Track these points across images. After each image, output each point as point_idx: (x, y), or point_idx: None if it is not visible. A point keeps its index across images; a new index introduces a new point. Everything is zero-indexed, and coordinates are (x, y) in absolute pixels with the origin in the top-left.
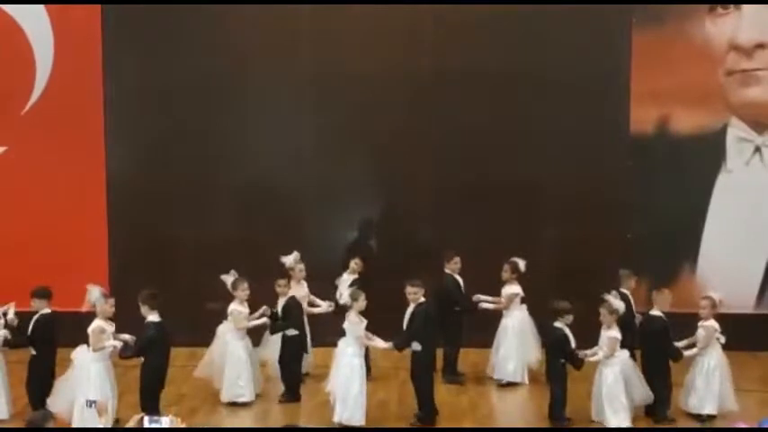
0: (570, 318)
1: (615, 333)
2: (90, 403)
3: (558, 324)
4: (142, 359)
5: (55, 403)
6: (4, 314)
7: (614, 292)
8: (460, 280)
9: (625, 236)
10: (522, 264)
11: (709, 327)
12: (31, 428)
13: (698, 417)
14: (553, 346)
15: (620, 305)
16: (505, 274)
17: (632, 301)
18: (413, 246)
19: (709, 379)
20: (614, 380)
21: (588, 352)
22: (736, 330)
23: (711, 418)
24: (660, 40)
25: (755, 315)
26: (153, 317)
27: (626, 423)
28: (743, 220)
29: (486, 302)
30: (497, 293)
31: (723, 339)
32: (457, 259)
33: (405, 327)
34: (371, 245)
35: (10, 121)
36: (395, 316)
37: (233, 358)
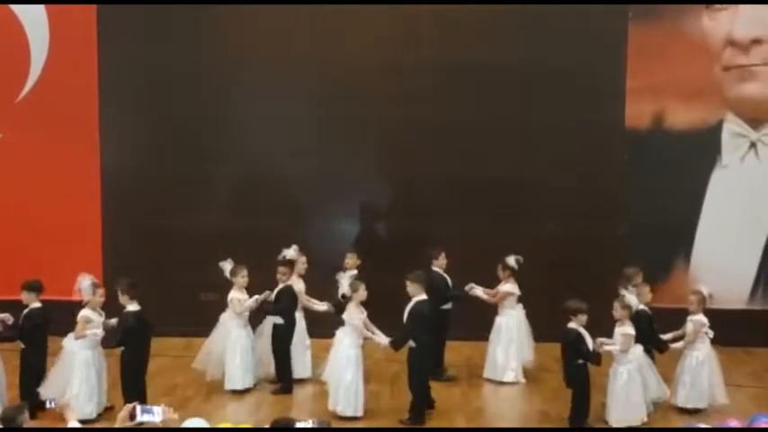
0: (584, 318)
1: (629, 329)
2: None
3: (572, 325)
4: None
5: (48, 391)
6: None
7: (630, 288)
8: (447, 278)
9: (619, 231)
10: (512, 260)
11: (697, 321)
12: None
13: (687, 411)
14: (569, 348)
15: (633, 300)
16: (500, 274)
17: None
18: (412, 239)
19: (697, 374)
20: (629, 378)
21: (603, 340)
22: (729, 326)
23: (698, 411)
24: (656, 34)
25: (748, 311)
26: (132, 306)
27: (640, 421)
28: (737, 215)
29: (478, 290)
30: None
31: (711, 334)
32: (443, 255)
33: (404, 323)
34: (371, 239)
35: (3, 109)
36: (394, 311)
37: (234, 346)
